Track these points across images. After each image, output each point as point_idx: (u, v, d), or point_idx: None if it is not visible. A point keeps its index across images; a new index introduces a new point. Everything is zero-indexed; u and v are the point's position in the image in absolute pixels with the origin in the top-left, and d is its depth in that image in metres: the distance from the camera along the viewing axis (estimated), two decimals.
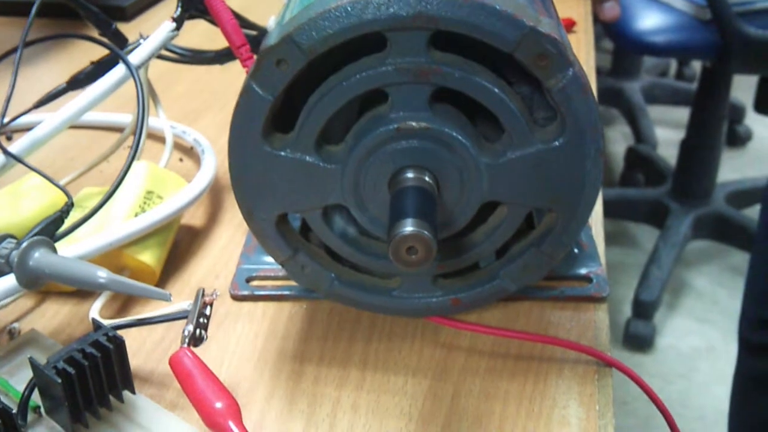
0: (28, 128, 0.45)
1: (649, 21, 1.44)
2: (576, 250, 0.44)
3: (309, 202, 0.36)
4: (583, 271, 0.42)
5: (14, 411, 0.31)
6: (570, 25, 0.75)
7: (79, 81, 0.49)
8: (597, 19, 0.78)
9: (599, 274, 0.42)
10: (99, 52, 0.48)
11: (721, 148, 1.65)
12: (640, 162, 1.94)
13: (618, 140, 2.20)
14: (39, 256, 0.34)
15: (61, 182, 0.46)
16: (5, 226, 0.42)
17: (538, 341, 0.39)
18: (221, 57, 0.51)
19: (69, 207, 0.39)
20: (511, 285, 0.38)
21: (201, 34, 0.52)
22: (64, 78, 0.49)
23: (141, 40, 0.47)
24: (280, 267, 0.39)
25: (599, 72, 2.17)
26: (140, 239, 0.42)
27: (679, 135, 1.70)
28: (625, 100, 2.12)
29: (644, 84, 2.18)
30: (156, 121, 0.56)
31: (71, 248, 0.40)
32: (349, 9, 0.31)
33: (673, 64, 2.50)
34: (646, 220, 1.75)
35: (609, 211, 1.75)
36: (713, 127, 1.61)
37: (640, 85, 2.16)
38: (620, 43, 1.65)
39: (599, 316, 0.40)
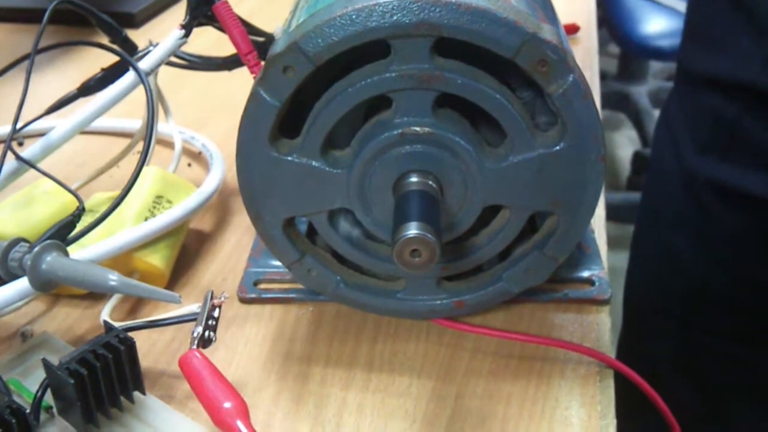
0: (40, 134, 0.46)
1: (656, 25, 1.45)
2: (578, 253, 0.44)
3: (315, 206, 0.37)
4: (585, 273, 0.43)
5: (27, 411, 0.32)
6: (574, 30, 0.75)
7: (89, 87, 0.49)
8: (602, 23, 0.78)
9: (601, 277, 0.43)
10: (109, 59, 0.49)
11: None
12: (647, 166, 1.94)
13: (625, 144, 2.20)
14: (51, 260, 0.35)
15: (72, 187, 0.46)
16: (18, 230, 0.43)
17: (541, 343, 0.39)
18: (229, 63, 0.52)
19: (80, 211, 0.40)
20: (514, 287, 0.39)
21: (209, 41, 0.52)
22: (75, 84, 0.49)
23: (151, 48, 0.48)
24: (287, 270, 0.39)
25: (605, 76, 2.17)
26: (150, 243, 0.43)
27: None
28: (632, 105, 2.11)
29: (651, 88, 2.17)
30: (165, 126, 0.57)
31: (83, 252, 0.41)
32: (353, 17, 0.32)
33: None
34: None
35: (615, 215, 1.74)
36: None
37: (646, 89, 2.16)
38: (626, 48, 1.65)
39: (601, 319, 0.41)
